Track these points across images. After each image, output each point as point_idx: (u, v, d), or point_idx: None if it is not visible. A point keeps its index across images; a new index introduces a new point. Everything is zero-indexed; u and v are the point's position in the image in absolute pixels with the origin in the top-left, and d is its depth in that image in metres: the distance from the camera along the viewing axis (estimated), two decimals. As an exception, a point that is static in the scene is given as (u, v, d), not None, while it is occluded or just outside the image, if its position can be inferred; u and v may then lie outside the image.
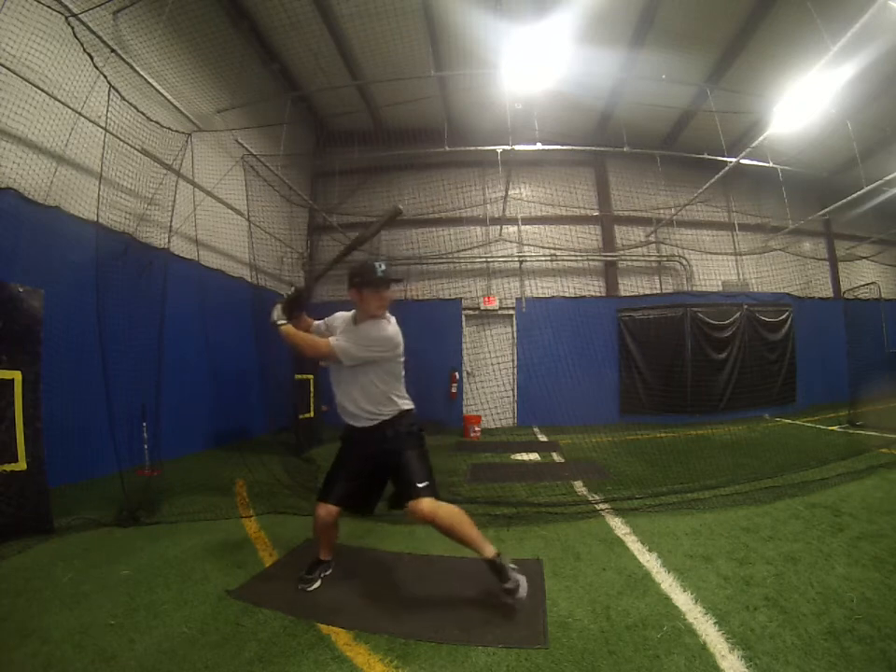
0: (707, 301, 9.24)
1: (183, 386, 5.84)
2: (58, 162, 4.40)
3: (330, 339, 2.29)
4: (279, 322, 2.30)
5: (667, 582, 2.33)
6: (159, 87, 5.11)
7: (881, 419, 6.71)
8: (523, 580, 2.10)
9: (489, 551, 2.15)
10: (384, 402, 2.32)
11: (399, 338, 2.35)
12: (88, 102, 4.56)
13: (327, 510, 2.31)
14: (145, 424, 4.81)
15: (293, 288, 2.43)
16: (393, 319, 2.39)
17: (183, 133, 5.59)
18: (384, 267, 2.30)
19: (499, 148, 7.26)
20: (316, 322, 2.56)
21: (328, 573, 2.47)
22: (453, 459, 5.87)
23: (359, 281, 2.29)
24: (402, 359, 2.40)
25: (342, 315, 2.49)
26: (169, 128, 5.36)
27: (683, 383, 8.70)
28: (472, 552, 2.19)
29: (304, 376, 6.48)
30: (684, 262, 9.86)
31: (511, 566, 2.13)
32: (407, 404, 2.40)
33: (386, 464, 2.31)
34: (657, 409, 8.72)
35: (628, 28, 7.09)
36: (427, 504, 2.12)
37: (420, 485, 2.17)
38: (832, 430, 6.82)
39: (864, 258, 10.63)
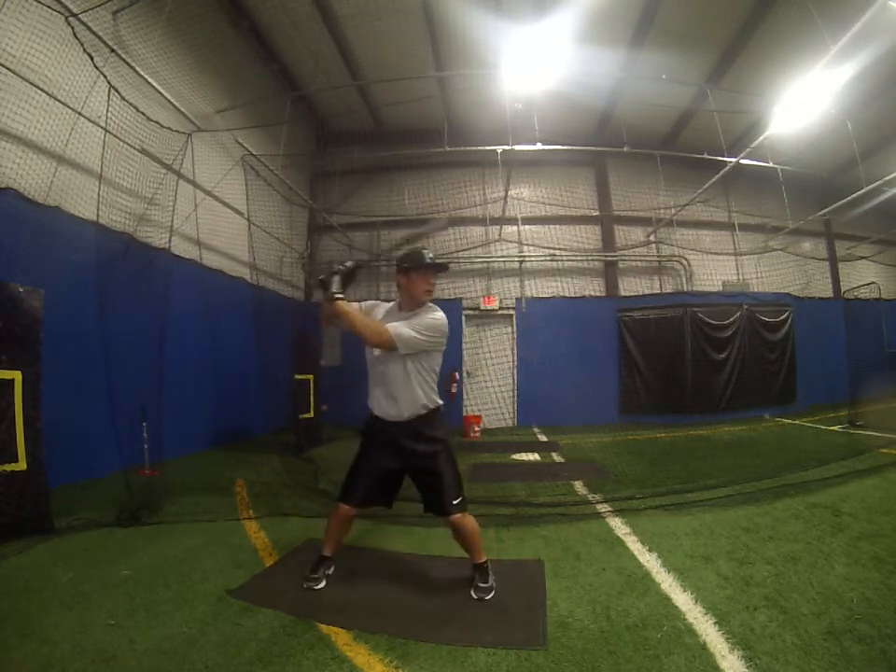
0: (707, 301, 9.23)
1: (183, 386, 5.84)
2: (58, 162, 4.40)
3: (388, 325, 2.17)
4: (337, 294, 2.12)
5: (667, 582, 2.33)
6: (159, 87, 5.11)
7: (881, 419, 6.71)
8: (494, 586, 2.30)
9: (483, 557, 2.35)
10: (422, 396, 2.27)
11: (447, 328, 2.33)
12: (88, 102, 4.55)
13: (347, 510, 2.32)
14: (145, 424, 4.81)
15: (350, 262, 2.25)
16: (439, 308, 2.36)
17: (183, 133, 5.59)
18: (431, 255, 2.35)
19: (499, 148, 7.25)
20: (356, 304, 2.36)
21: (330, 571, 2.47)
22: (453, 459, 5.87)
23: (409, 266, 2.30)
24: (443, 350, 2.39)
25: (383, 305, 2.44)
26: (169, 128, 5.36)
27: (683, 383, 8.69)
28: (467, 554, 2.37)
29: (304, 376, 6.48)
30: (684, 262, 9.85)
31: (481, 584, 2.31)
32: (439, 400, 2.39)
33: (418, 466, 2.32)
34: (657, 409, 8.71)
35: (628, 28, 7.08)
36: (457, 519, 2.27)
37: (455, 503, 2.27)
38: (832, 430, 6.82)
39: (864, 258, 10.62)
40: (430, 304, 2.34)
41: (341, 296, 2.12)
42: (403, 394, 2.26)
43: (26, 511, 2.99)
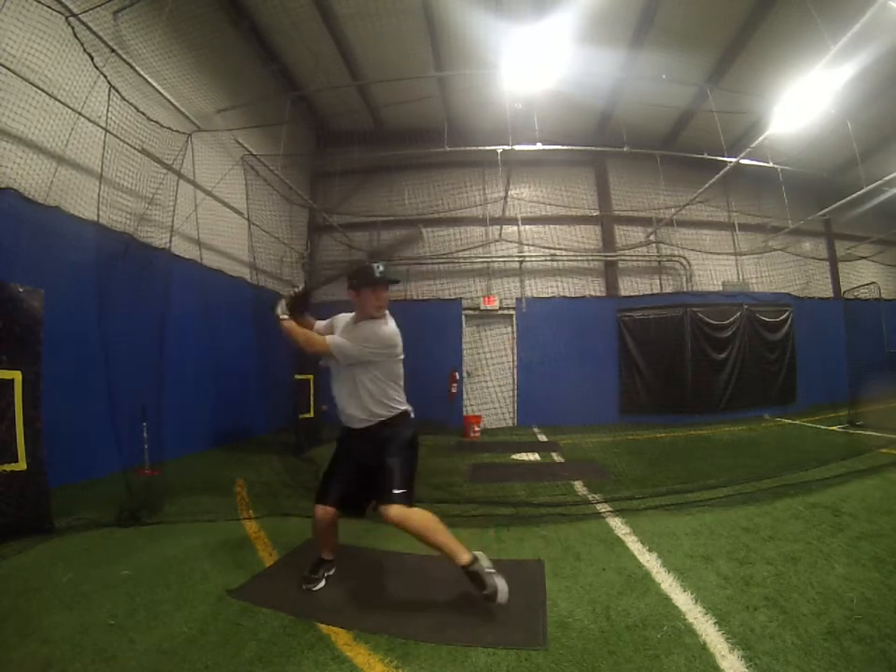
0: (707, 301, 9.23)
1: (183, 386, 5.84)
2: (58, 162, 4.40)
3: (327, 337, 2.31)
4: (281, 316, 2.32)
5: (667, 582, 2.33)
6: (159, 87, 5.11)
7: (881, 419, 6.71)
8: (502, 583, 2.05)
9: (463, 558, 2.09)
10: (380, 403, 2.30)
11: (397, 338, 2.34)
12: (88, 102, 4.56)
13: (324, 510, 2.30)
14: (145, 424, 4.81)
15: (300, 286, 2.45)
16: (391, 320, 2.38)
17: (183, 133, 5.59)
18: (381, 268, 2.27)
19: (499, 148, 7.25)
20: (320, 322, 2.56)
21: (331, 573, 2.46)
22: (453, 459, 5.87)
23: (357, 282, 2.29)
24: (401, 359, 2.39)
25: (344, 316, 2.50)
26: (169, 128, 5.36)
27: (683, 383, 8.69)
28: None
29: (304, 376, 6.48)
30: (684, 262, 9.86)
31: (489, 570, 2.08)
32: (404, 406, 2.39)
33: (372, 464, 2.29)
34: (657, 409, 8.71)
35: (628, 28, 7.09)
36: (394, 510, 2.10)
37: (396, 491, 2.15)
38: (832, 430, 6.82)
39: (864, 258, 10.62)
40: (382, 316, 2.34)
41: (285, 317, 2.32)
42: (354, 402, 2.30)
43: (26, 511, 2.99)
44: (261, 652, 1.82)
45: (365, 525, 3.19)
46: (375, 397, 2.29)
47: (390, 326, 2.34)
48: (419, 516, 2.16)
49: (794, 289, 9.87)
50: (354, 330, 2.33)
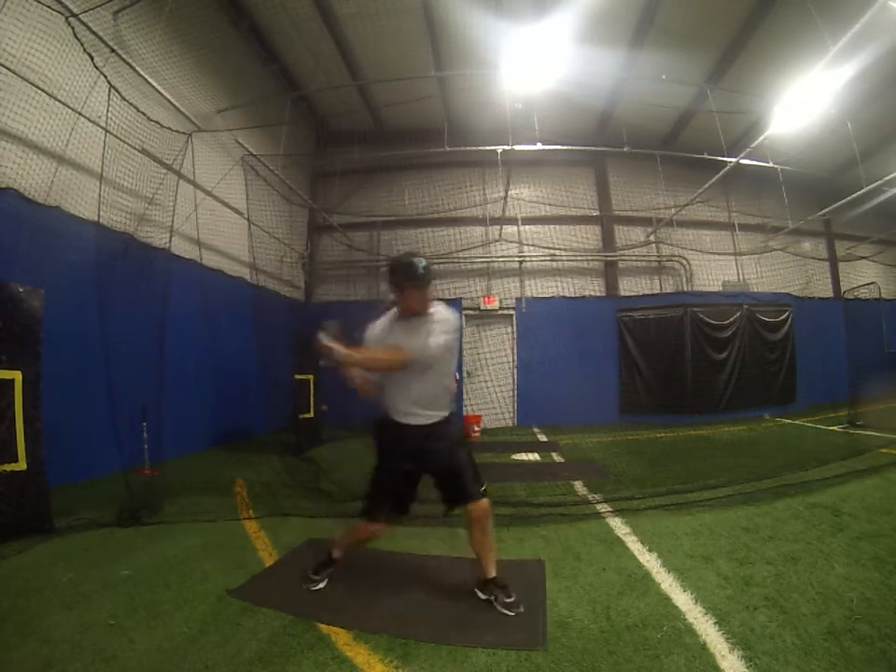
0: (707, 300, 9.23)
1: (183, 386, 5.84)
2: (58, 162, 4.40)
3: (401, 350, 2.14)
4: (346, 355, 2.09)
5: (667, 582, 2.33)
6: (159, 87, 5.11)
7: (881, 419, 6.70)
8: (515, 598, 2.17)
9: (492, 572, 2.22)
10: (440, 400, 2.27)
11: (458, 322, 2.29)
12: (88, 102, 4.56)
13: (380, 528, 2.30)
14: (145, 424, 4.81)
15: (332, 325, 2.21)
16: (441, 305, 2.31)
17: (183, 133, 5.59)
18: (424, 263, 2.18)
19: (499, 148, 7.25)
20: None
21: (330, 572, 2.46)
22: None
23: (401, 279, 2.18)
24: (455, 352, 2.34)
25: (378, 325, 2.33)
26: (169, 128, 5.36)
27: (683, 383, 8.69)
28: (480, 562, 2.25)
29: (304, 376, 6.48)
30: (684, 262, 9.85)
31: (507, 599, 2.16)
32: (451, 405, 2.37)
33: (432, 465, 2.25)
34: (657, 409, 8.71)
35: (628, 28, 7.09)
36: (484, 504, 2.19)
37: (479, 489, 2.20)
38: (832, 430, 6.81)
39: (864, 258, 10.62)
40: (436, 304, 2.28)
41: (348, 353, 2.10)
42: (420, 400, 2.21)
43: (26, 511, 2.99)
44: (261, 652, 1.83)
45: (365, 525, 3.20)
46: (437, 393, 2.26)
47: (449, 311, 2.29)
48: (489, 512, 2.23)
49: (794, 289, 9.87)
50: (416, 328, 2.19)
